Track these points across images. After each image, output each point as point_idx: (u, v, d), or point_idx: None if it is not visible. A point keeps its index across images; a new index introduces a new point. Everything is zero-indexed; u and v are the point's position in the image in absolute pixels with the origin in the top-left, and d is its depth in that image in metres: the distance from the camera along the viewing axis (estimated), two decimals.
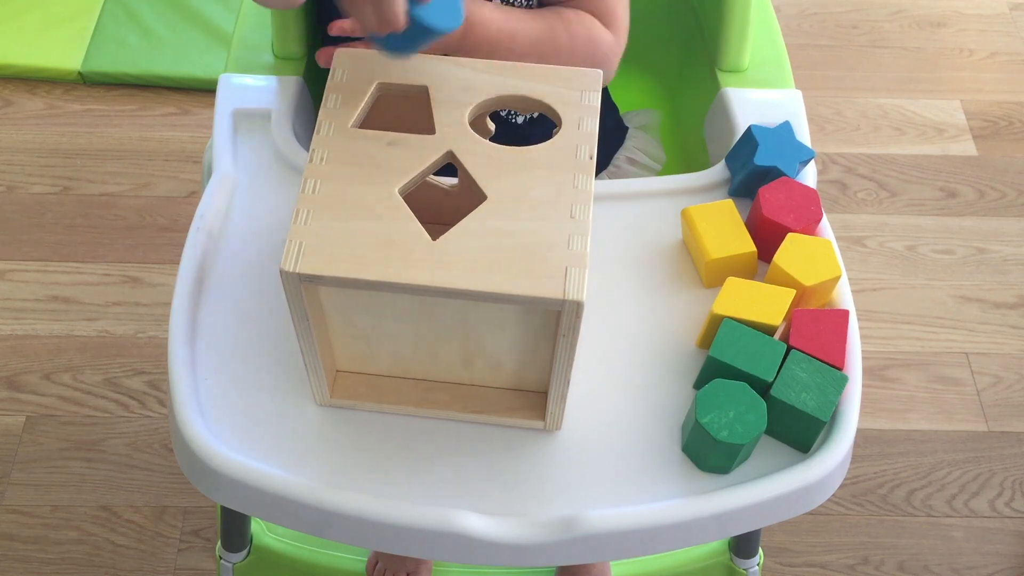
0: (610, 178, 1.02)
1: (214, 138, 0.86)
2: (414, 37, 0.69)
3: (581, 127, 0.69)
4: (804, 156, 0.82)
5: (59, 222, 1.59)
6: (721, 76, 0.97)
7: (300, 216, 0.63)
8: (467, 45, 0.82)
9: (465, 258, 0.62)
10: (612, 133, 1.04)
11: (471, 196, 0.66)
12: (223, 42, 1.77)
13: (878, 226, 1.65)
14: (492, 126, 0.72)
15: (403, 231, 0.63)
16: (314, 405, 0.73)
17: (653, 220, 0.83)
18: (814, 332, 0.72)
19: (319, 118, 0.68)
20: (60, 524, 1.31)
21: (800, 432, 0.71)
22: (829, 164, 1.72)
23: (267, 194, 0.83)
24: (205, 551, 1.30)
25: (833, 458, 0.71)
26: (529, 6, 0.94)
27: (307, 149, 0.85)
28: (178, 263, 0.78)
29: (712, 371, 0.71)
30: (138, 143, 1.69)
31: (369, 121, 0.70)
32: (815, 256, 0.75)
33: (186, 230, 0.80)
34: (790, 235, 0.76)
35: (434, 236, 0.63)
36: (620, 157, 1.04)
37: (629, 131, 1.06)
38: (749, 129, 0.83)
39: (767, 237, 0.78)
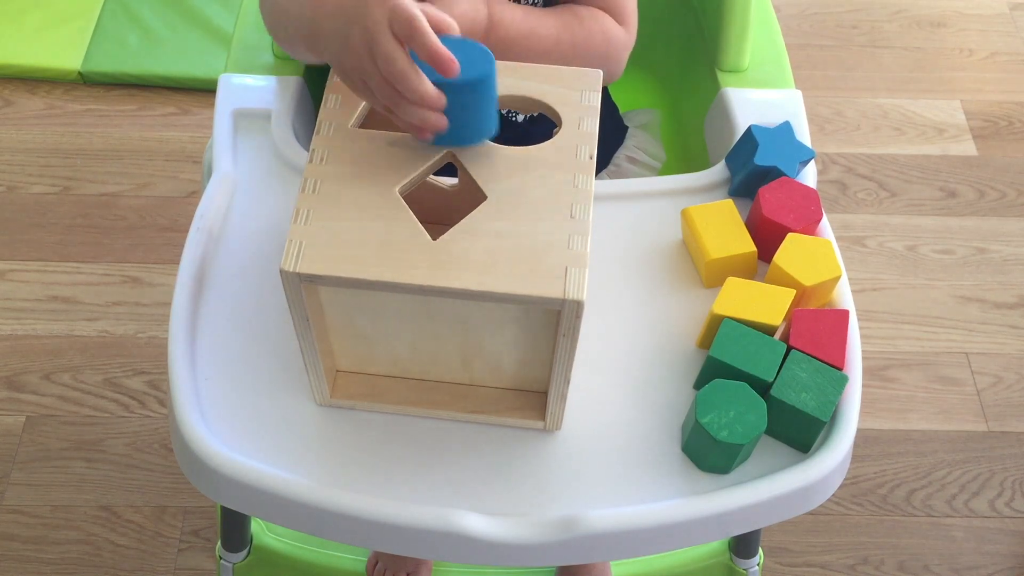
0: (610, 177, 1.02)
1: (214, 138, 0.86)
2: (465, 107, 0.66)
3: (581, 127, 0.69)
4: (804, 156, 0.82)
5: (59, 222, 1.59)
6: (721, 76, 0.97)
7: (300, 216, 0.63)
8: (489, 44, 0.82)
9: (465, 258, 0.62)
10: (612, 132, 1.04)
11: (471, 196, 0.66)
12: (223, 42, 1.77)
13: (878, 226, 1.65)
14: None
15: (403, 231, 0.63)
16: (314, 405, 0.73)
17: (653, 220, 0.83)
18: (814, 332, 0.72)
19: (319, 118, 0.68)
20: (60, 524, 1.31)
21: (800, 432, 0.71)
22: (829, 164, 1.72)
23: (267, 194, 0.83)
24: (205, 551, 1.30)
25: (833, 458, 0.71)
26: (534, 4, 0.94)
27: (307, 149, 0.85)
28: (178, 263, 0.78)
29: (712, 371, 0.71)
30: (138, 143, 1.69)
31: (369, 121, 0.70)
32: (815, 256, 0.75)
33: (186, 230, 0.80)
34: (790, 235, 0.76)
35: (434, 236, 0.63)
36: (620, 156, 1.04)
37: (629, 130, 1.06)
38: (749, 129, 0.83)
39: (767, 237, 0.78)
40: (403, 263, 0.61)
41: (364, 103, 0.69)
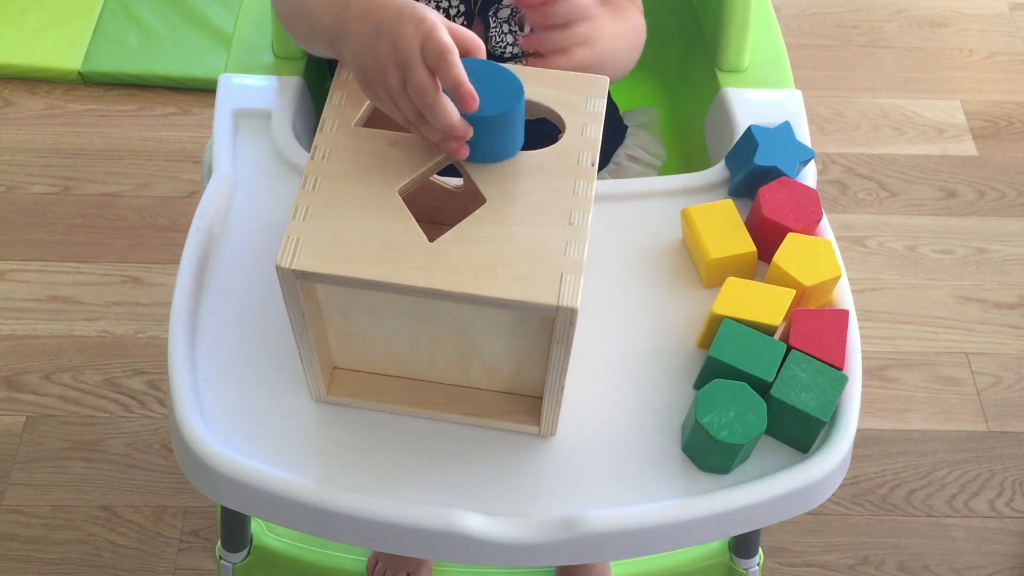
0: (611, 175, 1.02)
1: (214, 138, 0.86)
2: (490, 135, 0.65)
3: (584, 133, 0.68)
4: (804, 156, 0.82)
5: (59, 222, 1.59)
6: (721, 76, 0.97)
7: (299, 212, 0.63)
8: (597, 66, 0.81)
9: (461, 261, 0.61)
10: (612, 131, 1.04)
11: (472, 198, 0.66)
12: (223, 42, 1.77)
13: (878, 226, 1.65)
14: None
15: (401, 232, 0.63)
16: (315, 405, 0.73)
17: (653, 220, 0.83)
18: (814, 332, 0.72)
19: (323, 115, 0.68)
20: (60, 524, 1.31)
21: (800, 432, 0.71)
22: (829, 164, 1.72)
23: (267, 194, 0.83)
24: (205, 551, 1.30)
25: (833, 458, 0.71)
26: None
27: (307, 149, 0.85)
28: (178, 263, 0.78)
29: (712, 371, 0.71)
30: (138, 143, 1.69)
31: (373, 120, 0.70)
32: (815, 256, 0.75)
33: (186, 230, 0.80)
34: (790, 235, 0.76)
35: (436, 236, 0.63)
36: (620, 154, 1.04)
37: (629, 129, 1.06)
38: (749, 129, 0.83)
39: (767, 237, 0.78)
40: (399, 264, 0.61)
41: (369, 103, 0.69)
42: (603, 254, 0.80)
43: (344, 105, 0.69)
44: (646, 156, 1.05)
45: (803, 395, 0.69)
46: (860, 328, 0.76)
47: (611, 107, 1.06)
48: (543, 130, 0.72)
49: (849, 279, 0.78)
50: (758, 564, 1.14)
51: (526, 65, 0.73)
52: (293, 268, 0.61)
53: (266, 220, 0.81)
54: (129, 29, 1.80)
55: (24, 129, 1.71)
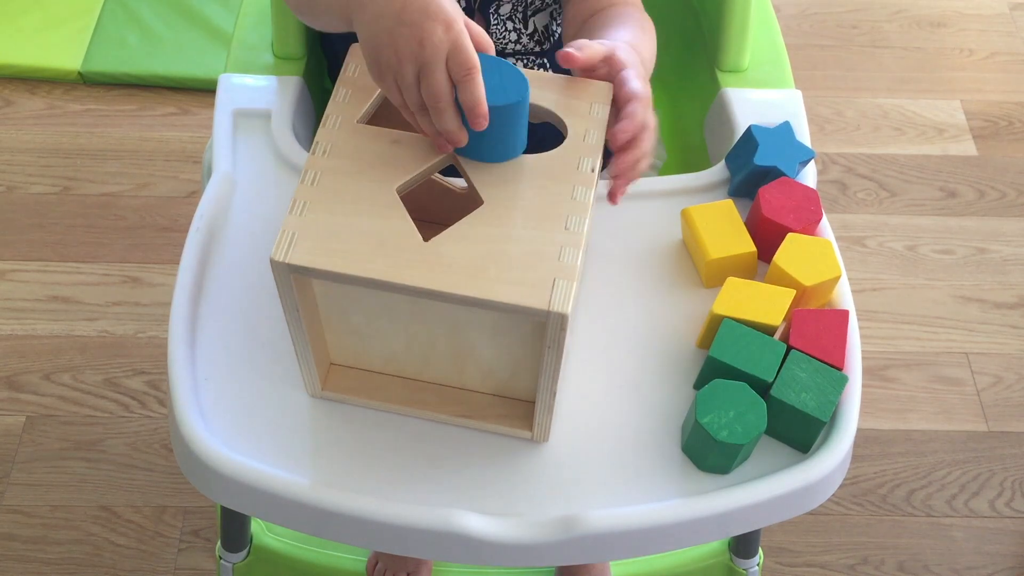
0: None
1: (214, 138, 0.86)
2: (494, 129, 0.65)
3: (586, 139, 0.68)
4: (804, 156, 0.82)
5: (59, 222, 1.59)
6: (721, 76, 0.97)
7: (296, 207, 0.63)
8: None
9: (455, 262, 0.61)
10: None
11: (471, 200, 0.66)
12: (223, 42, 1.77)
13: (878, 226, 1.65)
14: None
15: (396, 230, 0.63)
16: (315, 407, 0.73)
17: (653, 220, 0.83)
18: (814, 332, 0.72)
19: (327, 111, 0.68)
20: (60, 524, 1.31)
21: (800, 432, 0.71)
22: (829, 164, 1.72)
23: (267, 194, 0.83)
24: (205, 551, 1.30)
25: (833, 458, 0.71)
26: (544, 4, 0.94)
27: (307, 149, 0.85)
28: (178, 263, 0.78)
29: (712, 371, 0.71)
30: (138, 143, 1.69)
31: (376, 118, 0.70)
32: (815, 256, 0.75)
33: (186, 230, 0.80)
34: (790, 235, 0.76)
35: (435, 236, 0.63)
36: None
37: None
38: (749, 129, 0.83)
39: (767, 237, 0.78)
40: (393, 262, 0.61)
41: (373, 100, 0.69)
42: (603, 254, 0.80)
43: (348, 101, 0.69)
44: None
45: (803, 395, 0.69)
46: (860, 328, 0.76)
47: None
48: (543, 135, 0.72)
49: (849, 279, 0.78)
50: (758, 564, 1.14)
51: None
52: (287, 262, 0.61)
53: (266, 220, 0.81)
54: (129, 29, 1.80)
55: (24, 129, 1.71)
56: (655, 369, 0.75)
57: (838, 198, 1.68)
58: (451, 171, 0.69)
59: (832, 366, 0.71)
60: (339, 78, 0.70)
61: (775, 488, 0.69)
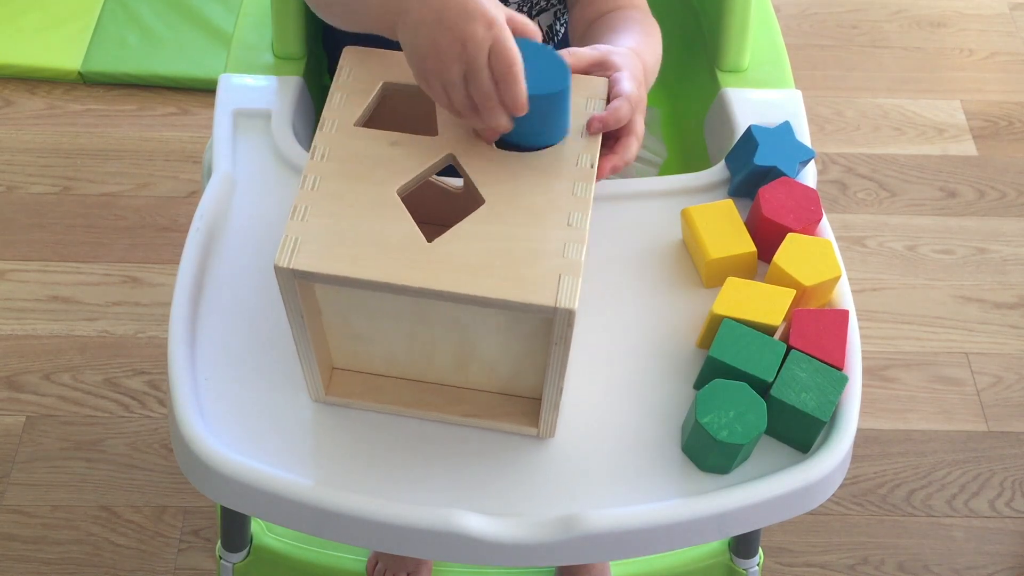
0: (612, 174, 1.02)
1: (214, 138, 0.86)
2: (537, 115, 0.66)
3: (583, 135, 0.69)
4: (804, 156, 0.82)
5: (59, 222, 1.59)
6: (721, 76, 0.97)
7: (298, 212, 0.63)
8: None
9: (459, 262, 0.61)
10: None
11: (472, 199, 0.66)
12: (223, 42, 1.77)
13: (878, 226, 1.65)
14: None
15: (399, 232, 0.63)
16: (315, 405, 0.73)
17: (653, 220, 0.83)
18: (814, 332, 0.72)
19: (323, 115, 0.68)
20: (60, 524, 1.31)
21: (800, 432, 0.71)
22: (829, 164, 1.72)
23: (267, 194, 0.83)
24: (205, 551, 1.30)
25: (833, 458, 0.71)
26: (549, 4, 0.95)
27: (307, 149, 0.85)
28: (178, 263, 0.78)
29: (712, 371, 0.71)
30: (138, 143, 1.69)
31: (373, 120, 0.70)
32: (815, 256, 0.75)
33: (186, 230, 0.80)
34: (790, 235, 0.76)
35: (434, 237, 0.63)
36: None
37: None
38: (749, 129, 0.83)
39: (767, 237, 0.78)
40: (397, 264, 0.61)
41: (369, 103, 0.69)
42: (603, 254, 0.80)
43: (344, 105, 0.69)
44: (647, 154, 1.05)
45: (803, 395, 0.69)
46: (860, 328, 0.76)
47: None
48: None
49: (849, 279, 0.78)
50: (758, 564, 1.14)
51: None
52: (291, 268, 0.61)
53: (266, 220, 0.81)
54: (129, 29, 1.80)
55: (24, 129, 1.71)
56: (655, 369, 0.75)
57: (838, 198, 1.68)
58: (448, 171, 0.69)
59: (832, 366, 0.71)
60: (333, 83, 0.70)
61: (775, 488, 0.69)
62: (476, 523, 0.67)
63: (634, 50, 0.80)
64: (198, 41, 1.79)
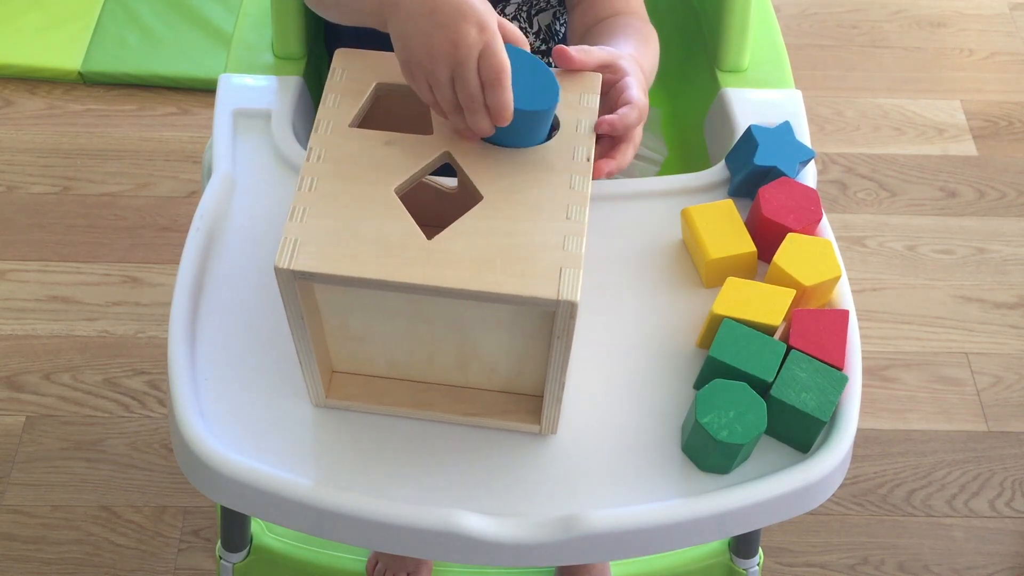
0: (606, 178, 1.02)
1: (214, 138, 0.86)
2: (522, 127, 0.67)
3: (579, 129, 0.69)
4: (804, 156, 0.82)
5: (59, 222, 1.59)
6: (721, 76, 0.97)
7: (296, 213, 0.63)
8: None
9: (460, 257, 0.61)
10: None
11: (468, 197, 0.66)
12: (223, 42, 1.77)
13: (878, 226, 1.65)
14: None
15: (399, 230, 0.63)
16: (313, 405, 0.73)
17: (653, 220, 0.83)
18: (814, 332, 0.72)
19: (317, 117, 0.68)
20: (60, 524, 1.31)
21: (800, 432, 0.71)
22: (829, 164, 1.72)
23: (267, 194, 0.83)
24: (205, 551, 1.30)
25: (833, 458, 0.71)
26: (548, 4, 0.95)
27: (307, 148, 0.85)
28: (178, 263, 0.78)
29: (712, 371, 0.71)
30: (138, 143, 1.69)
31: (367, 121, 0.70)
32: (815, 256, 0.75)
33: (186, 230, 0.80)
34: (790, 235, 0.76)
35: (431, 237, 0.63)
36: None
37: None
38: (749, 129, 0.83)
39: (767, 237, 0.78)
40: (398, 262, 0.61)
41: (363, 104, 0.69)
42: (603, 254, 0.80)
43: (338, 106, 0.69)
44: (648, 152, 1.05)
45: (803, 395, 0.69)
46: (860, 328, 0.76)
47: None
48: None
49: (849, 279, 0.78)
50: (758, 564, 1.14)
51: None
52: (292, 269, 0.61)
53: (266, 220, 0.81)
54: (129, 29, 1.80)
55: (24, 129, 1.71)
56: (655, 369, 0.75)
57: (838, 198, 1.68)
58: (444, 170, 0.69)
59: (832, 366, 0.71)
60: (327, 84, 0.70)
61: (775, 488, 0.69)
62: (476, 523, 0.67)
63: (633, 57, 0.80)
64: (198, 41, 1.79)
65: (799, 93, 0.94)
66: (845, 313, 0.73)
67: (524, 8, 0.94)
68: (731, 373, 0.70)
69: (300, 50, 0.94)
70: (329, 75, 0.71)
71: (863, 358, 0.75)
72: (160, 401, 1.41)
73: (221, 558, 1.10)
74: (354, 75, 0.70)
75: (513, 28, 0.68)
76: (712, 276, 0.79)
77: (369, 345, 0.70)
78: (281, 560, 1.12)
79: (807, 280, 0.74)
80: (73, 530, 1.31)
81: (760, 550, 1.14)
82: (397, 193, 0.65)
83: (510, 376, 0.71)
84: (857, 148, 1.75)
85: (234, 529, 1.08)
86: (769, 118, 0.90)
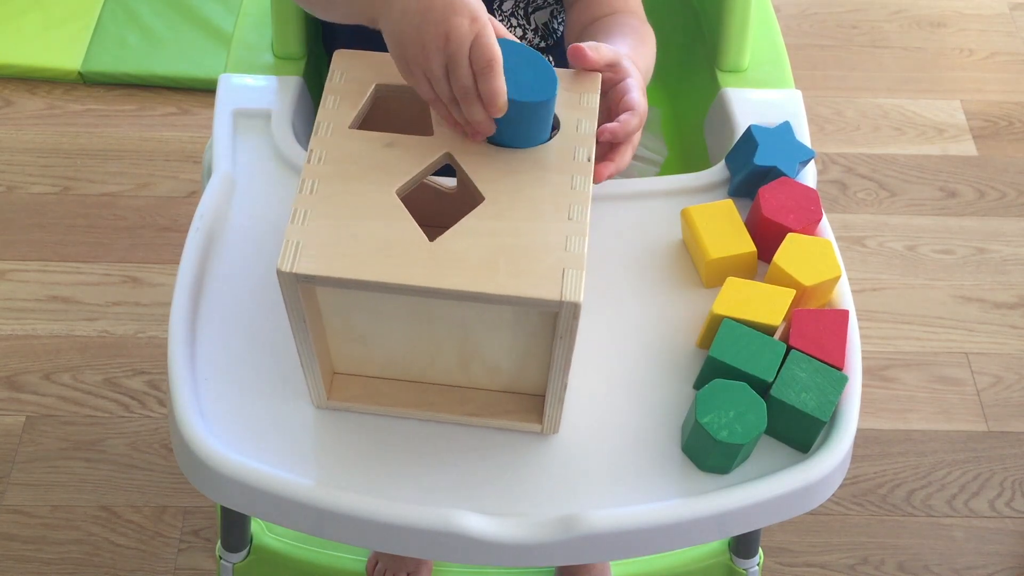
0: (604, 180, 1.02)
1: (214, 138, 0.86)
2: (521, 121, 0.67)
3: (579, 129, 0.69)
4: (804, 156, 0.82)
5: (59, 222, 1.59)
6: (721, 76, 0.97)
7: (297, 216, 0.63)
8: None
9: (462, 259, 0.61)
10: None
11: (469, 198, 0.66)
12: (223, 42, 1.77)
13: (878, 226, 1.65)
14: None
15: (400, 232, 0.63)
16: (315, 407, 0.73)
17: (653, 220, 0.83)
18: (814, 332, 0.72)
19: (317, 119, 0.68)
20: (60, 524, 1.31)
21: (800, 432, 0.71)
22: (829, 164, 1.72)
23: (267, 194, 0.83)
24: (205, 551, 1.30)
25: (833, 458, 0.71)
26: (546, 2, 0.95)
27: (307, 149, 0.85)
28: (178, 263, 0.78)
29: (712, 371, 0.71)
30: (138, 143, 1.69)
31: (367, 122, 0.70)
32: (815, 256, 0.75)
33: (186, 230, 0.80)
34: (790, 235, 0.76)
35: (433, 239, 0.63)
36: None
37: None
38: (749, 129, 0.83)
39: (767, 237, 0.78)
40: (400, 264, 0.61)
41: (363, 106, 0.69)
42: (603, 254, 0.80)
43: (338, 108, 0.69)
44: (647, 152, 1.05)
45: (803, 395, 0.69)
46: (860, 328, 0.76)
47: None
48: None
49: (849, 279, 0.78)
50: (758, 564, 1.14)
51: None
52: (294, 272, 0.61)
53: (266, 220, 0.81)
54: (129, 29, 1.80)
55: (24, 129, 1.71)
56: (655, 369, 0.75)
57: (838, 198, 1.68)
58: (444, 171, 0.69)
59: (832, 366, 0.71)
60: (326, 86, 0.70)
61: (775, 488, 0.69)
62: (476, 523, 0.67)
63: (630, 56, 0.80)
64: (198, 41, 1.79)
65: (799, 93, 0.94)
66: (845, 313, 0.73)
67: (521, 5, 0.94)
68: (731, 373, 0.70)
69: (300, 50, 0.94)
70: (328, 77, 0.71)
71: (863, 358, 0.75)
72: (160, 401, 1.41)
73: (221, 558, 1.10)
74: (353, 76, 0.70)
75: (500, 27, 0.68)
76: (712, 276, 0.79)
77: (371, 346, 0.70)
78: (281, 560, 1.12)
79: (807, 280, 0.74)
80: (73, 530, 1.31)
81: (760, 550, 1.14)
82: (399, 195, 0.65)
83: (512, 376, 0.71)
84: (857, 148, 1.75)
85: (234, 529, 1.08)
86: (769, 118, 0.90)
